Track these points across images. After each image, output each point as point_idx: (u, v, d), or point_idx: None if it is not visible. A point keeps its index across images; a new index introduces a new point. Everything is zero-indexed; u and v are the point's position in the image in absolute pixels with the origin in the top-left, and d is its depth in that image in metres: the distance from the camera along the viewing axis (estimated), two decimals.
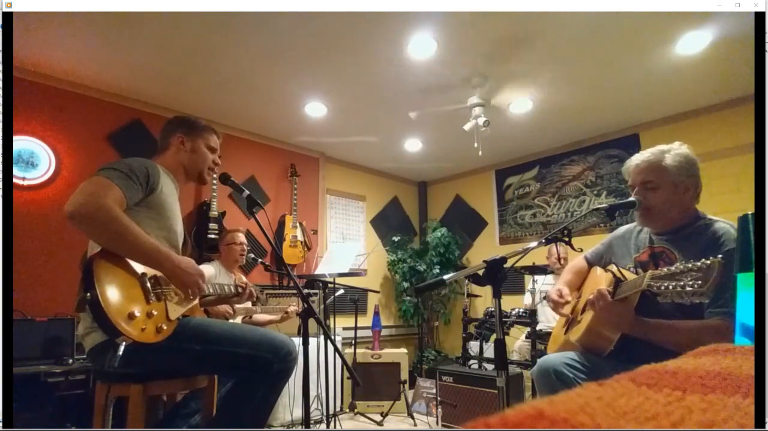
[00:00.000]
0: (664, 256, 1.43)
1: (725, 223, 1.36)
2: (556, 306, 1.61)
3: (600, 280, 1.53)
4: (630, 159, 1.51)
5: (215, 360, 1.43)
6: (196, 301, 1.52)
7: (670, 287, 1.11)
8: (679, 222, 1.43)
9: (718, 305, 1.24)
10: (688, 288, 1.06)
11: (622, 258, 1.58)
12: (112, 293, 1.20)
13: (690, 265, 1.09)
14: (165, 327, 1.30)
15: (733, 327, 1.16)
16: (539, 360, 1.48)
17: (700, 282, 1.04)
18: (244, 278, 3.02)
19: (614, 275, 1.39)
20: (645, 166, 1.44)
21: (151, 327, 1.26)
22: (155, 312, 1.29)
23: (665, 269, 1.15)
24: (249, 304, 2.78)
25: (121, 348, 1.22)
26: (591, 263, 1.74)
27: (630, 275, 1.42)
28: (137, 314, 1.22)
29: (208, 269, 2.67)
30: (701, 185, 1.43)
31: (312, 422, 3.03)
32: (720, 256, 1.06)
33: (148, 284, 1.31)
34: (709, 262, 1.05)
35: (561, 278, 1.78)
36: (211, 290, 1.62)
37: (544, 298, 3.33)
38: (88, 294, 1.16)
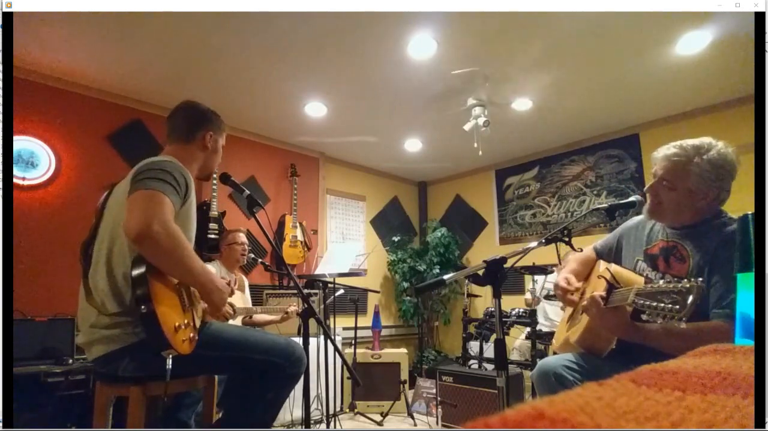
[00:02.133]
0: (675, 251, 1.39)
1: None
2: (564, 294, 1.53)
3: (599, 281, 1.50)
4: (665, 146, 1.40)
5: (229, 365, 1.46)
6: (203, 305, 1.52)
7: (651, 306, 1.08)
8: (692, 220, 1.37)
9: (722, 306, 1.20)
10: (667, 311, 1.04)
11: (632, 249, 1.53)
12: (162, 307, 1.21)
13: (671, 286, 1.06)
14: (196, 337, 1.33)
15: (733, 329, 1.16)
16: (539, 363, 1.47)
17: (678, 307, 1.01)
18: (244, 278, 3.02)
19: (608, 281, 1.34)
20: (668, 165, 1.35)
21: (188, 338, 1.28)
22: (190, 323, 1.31)
23: (649, 287, 1.13)
24: (249, 304, 2.79)
25: (170, 361, 1.22)
26: (599, 255, 1.67)
27: (630, 276, 1.41)
28: (181, 326, 1.24)
29: (213, 270, 2.67)
30: (729, 190, 1.35)
31: (312, 422, 3.03)
32: (701, 279, 1.03)
33: (184, 295, 1.34)
34: (688, 285, 1.02)
35: (566, 266, 1.70)
36: None
37: (546, 297, 3.33)
38: (143, 307, 1.16)
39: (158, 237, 1.17)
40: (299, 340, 1.63)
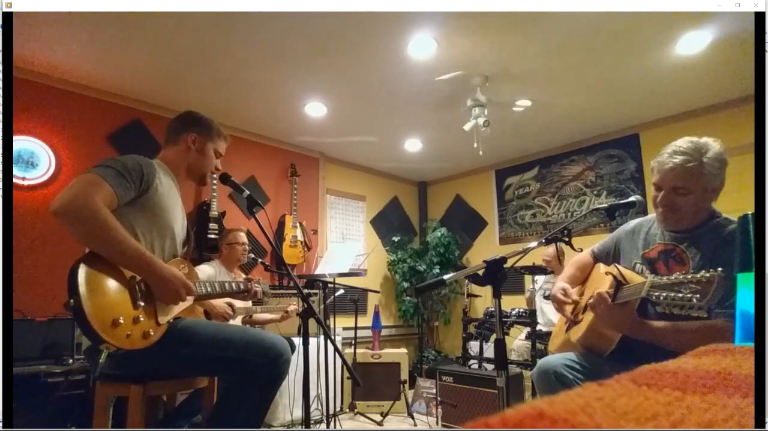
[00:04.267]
0: (674, 254, 1.39)
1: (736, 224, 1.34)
2: (560, 305, 1.56)
3: (602, 280, 1.51)
4: (664, 155, 1.36)
5: (202, 363, 1.41)
6: (190, 302, 1.49)
7: (669, 297, 1.09)
8: (699, 220, 1.38)
9: (725, 306, 1.21)
10: (687, 302, 1.05)
11: (630, 253, 1.54)
12: (96, 299, 1.16)
13: (690, 276, 1.07)
14: (152, 333, 1.27)
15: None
16: (539, 362, 1.47)
17: (698, 296, 1.03)
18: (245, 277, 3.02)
19: (615, 277, 1.36)
20: (681, 172, 1.32)
21: (137, 333, 1.23)
22: (142, 318, 1.25)
23: (665, 278, 1.14)
24: (249, 303, 2.78)
25: (103, 356, 1.20)
26: (597, 258, 1.69)
27: (632, 275, 1.41)
28: (121, 320, 1.19)
29: (206, 270, 2.66)
30: (724, 183, 1.36)
31: (312, 422, 3.03)
32: (720, 269, 1.03)
33: (137, 288, 1.28)
34: (708, 275, 1.03)
35: (563, 272, 1.72)
36: (209, 290, 1.60)
37: (546, 297, 3.33)
38: (71, 300, 1.13)
39: (71, 208, 1.17)
40: (299, 340, 1.62)
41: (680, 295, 1.07)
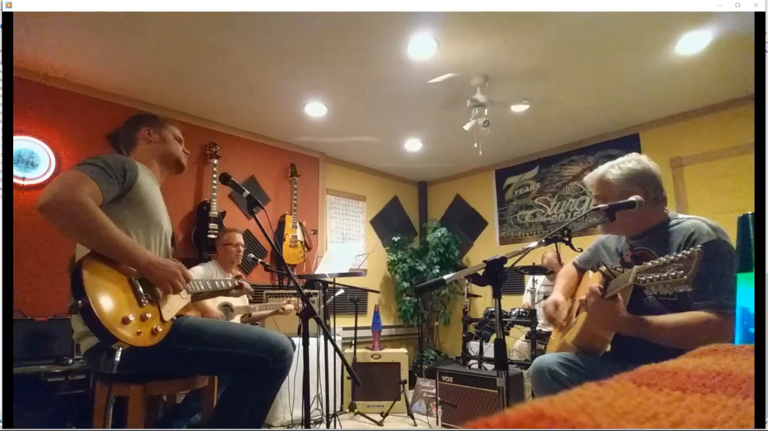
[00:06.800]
0: (644, 258, 1.46)
1: (697, 219, 1.40)
2: (552, 321, 1.65)
3: (593, 281, 1.55)
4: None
5: (209, 360, 1.42)
6: (188, 300, 1.50)
7: (655, 278, 1.14)
8: (648, 225, 1.47)
9: (701, 298, 1.28)
10: (671, 279, 1.10)
11: (609, 261, 1.62)
12: (104, 299, 1.17)
13: (672, 257, 1.12)
14: (160, 329, 1.29)
15: (718, 318, 1.22)
16: (535, 360, 1.50)
17: (681, 272, 1.08)
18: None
19: (604, 274, 1.40)
20: (592, 182, 1.58)
21: (147, 330, 1.24)
22: (149, 315, 1.27)
23: (650, 263, 1.18)
24: (246, 302, 2.79)
25: (118, 354, 1.21)
26: (580, 269, 1.78)
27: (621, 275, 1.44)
28: (132, 318, 1.20)
29: (199, 271, 2.67)
30: (660, 190, 1.47)
31: (312, 422, 3.03)
32: (699, 246, 1.10)
33: (140, 287, 1.30)
34: (689, 252, 1.09)
35: (557, 284, 1.80)
36: (203, 288, 1.61)
37: (545, 298, 3.33)
38: (80, 302, 1.13)
39: (57, 202, 1.18)
40: (299, 340, 1.62)
41: (665, 275, 1.12)
